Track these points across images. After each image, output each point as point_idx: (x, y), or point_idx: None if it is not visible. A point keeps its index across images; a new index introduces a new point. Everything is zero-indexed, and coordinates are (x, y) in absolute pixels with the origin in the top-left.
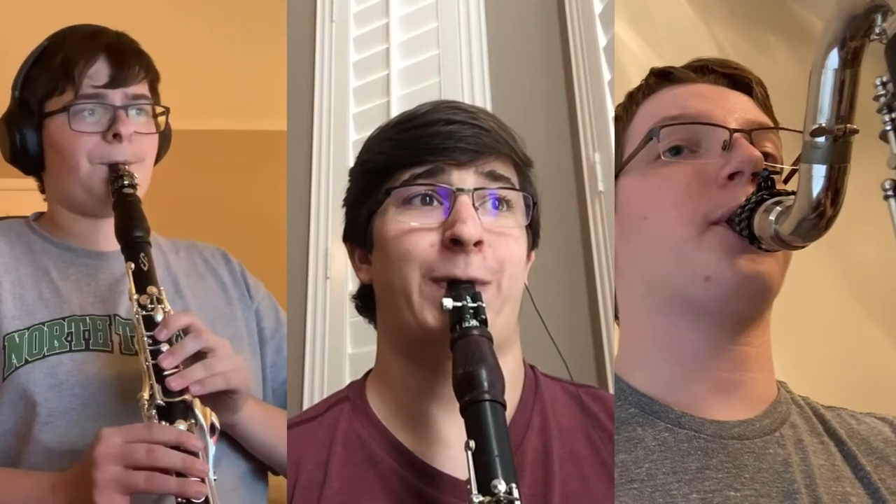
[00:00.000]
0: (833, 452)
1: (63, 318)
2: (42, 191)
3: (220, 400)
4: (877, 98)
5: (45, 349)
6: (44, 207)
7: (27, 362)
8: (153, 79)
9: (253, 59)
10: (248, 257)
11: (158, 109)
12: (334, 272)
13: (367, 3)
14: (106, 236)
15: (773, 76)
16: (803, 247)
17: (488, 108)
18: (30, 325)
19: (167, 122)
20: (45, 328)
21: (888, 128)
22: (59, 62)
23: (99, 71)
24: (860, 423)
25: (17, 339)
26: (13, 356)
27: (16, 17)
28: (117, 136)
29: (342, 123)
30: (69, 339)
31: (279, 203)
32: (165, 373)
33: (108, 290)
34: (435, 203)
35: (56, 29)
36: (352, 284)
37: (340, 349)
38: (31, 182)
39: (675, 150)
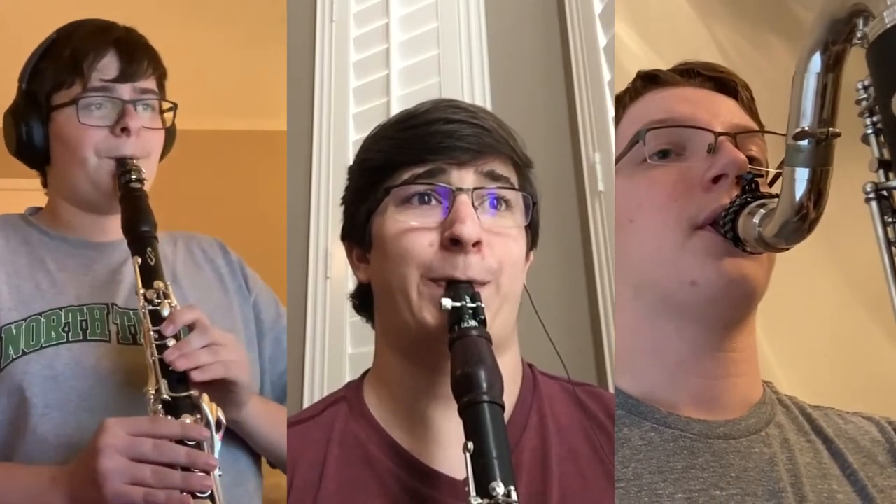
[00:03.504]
0: (820, 450)
1: (60, 309)
2: (44, 185)
3: (224, 395)
4: (858, 102)
5: (43, 340)
6: (39, 204)
7: (24, 354)
8: (161, 75)
9: (253, 59)
10: (248, 257)
11: (166, 105)
12: (334, 272)
13: (367, 3)
14: (104, 230)
15: (774, 76)
16: (787, 249)
17: (488, 108)
18: (27, 316)
19: (173, 120)
20: (43, 319)
21: (869, 131)
22: (68, 55)
23: (108, 65)
24: (847, 422)
25: (15, 331)
26: (10, 347)
27: (18, 15)
28: (125, 130)
29: (342, 123)
30: (66, 329)
31: (279, 203)
32: (171, 368)
33: (106, 279)
34: (434, 202)
35: (58, 27)
36: (352, 284)
37: (340, 349)
38: (29, 182)
39: (662, 154)
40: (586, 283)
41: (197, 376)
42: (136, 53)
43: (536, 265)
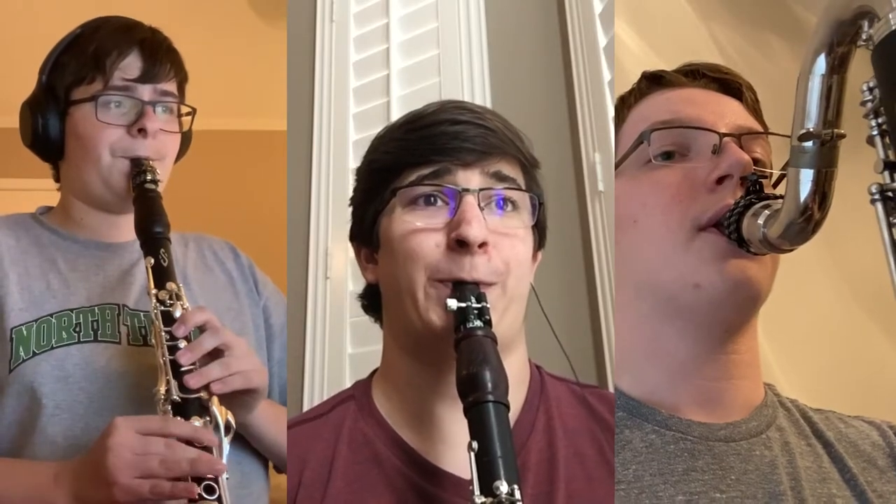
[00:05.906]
0: (820, 454)
1: (71, 310)
2: (56, 179)
3: (237, 399)
4: (864, 103)
5: (54, 341)
6: (46, 203)
7: (35, 355)
8: (182, 79)
9: (253, 59)
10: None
11: (185, 109)
12: (334, 272)
13: (367, 3)
14: (116, 229)
15: (774, 77)
16: (791, 250)
17: (488, 108)
18: (38, 318)
19: (191, 125)
20: (53, 320)
21: (874, 133)
22: (91, 51)
23: (131, 64)
24: (848, 426)
25: (25, 332)
26: (21, 349)
27: (19, 16)
28: (142, 132)
29: (342, 123)
30: (77, 329)
31: (279, 203)
32: (182, 369)
33: (117, 280)
34: (440, 203)
35: (59, 28)
36: (352, 284)
37: (340, 349)
38: (31, 182)
39: (666, 155)
40: (586, 283)
41: (217, 389)
42: (159, 55)
43: (537, 265)
